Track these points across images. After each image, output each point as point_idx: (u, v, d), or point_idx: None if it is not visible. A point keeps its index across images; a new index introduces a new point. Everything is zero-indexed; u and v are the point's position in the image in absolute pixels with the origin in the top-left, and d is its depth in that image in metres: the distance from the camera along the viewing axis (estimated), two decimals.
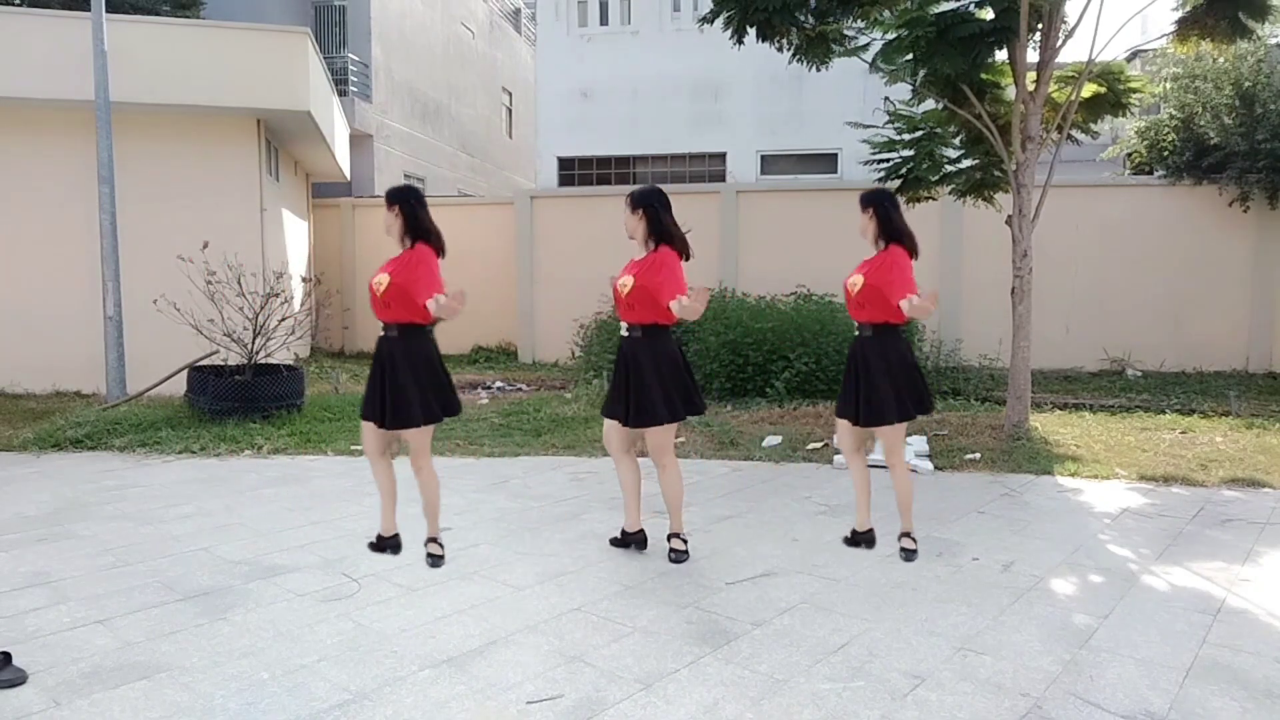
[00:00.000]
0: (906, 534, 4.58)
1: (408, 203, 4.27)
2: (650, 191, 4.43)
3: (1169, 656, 3.40)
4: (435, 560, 4.44)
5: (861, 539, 4.72)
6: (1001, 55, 7.47)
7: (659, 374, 4.33)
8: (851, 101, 13.77)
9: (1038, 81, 7.30)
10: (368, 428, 4.38)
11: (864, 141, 8.85)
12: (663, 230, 4.35)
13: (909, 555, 4.53)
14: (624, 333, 4.42)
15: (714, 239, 12.77)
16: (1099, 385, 11.05)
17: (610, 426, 4.58)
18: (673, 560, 4.49)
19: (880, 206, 4.47)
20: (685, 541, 4.57)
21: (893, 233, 4.42)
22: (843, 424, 4.64)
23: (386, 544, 4.60)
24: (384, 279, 4.18)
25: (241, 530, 5.07)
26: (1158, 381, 11.19)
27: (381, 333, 4.30)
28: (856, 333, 4.56)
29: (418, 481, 4.42)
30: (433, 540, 4.50)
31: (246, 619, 3.75)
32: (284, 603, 3.95)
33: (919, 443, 7.02)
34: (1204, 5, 7.21)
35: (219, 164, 10.26)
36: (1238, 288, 12.04)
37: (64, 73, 9.26)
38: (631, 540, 4.70)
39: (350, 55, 16.58)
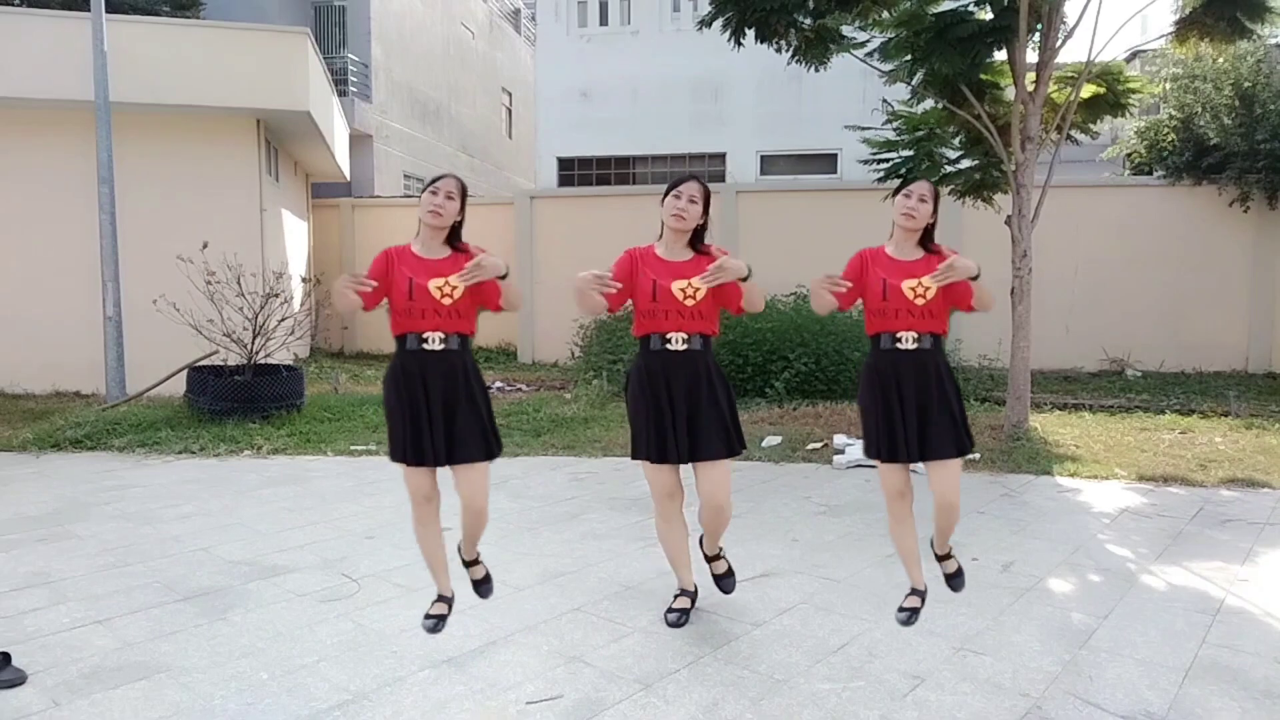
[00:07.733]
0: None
1: None
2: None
3: (1168, 656, 3.40)
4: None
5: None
6: (1001, 55, 7.47)
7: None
8: (851, 101, 13.76)
9: (1037, 82, 7.30)
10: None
11: (863, 141, 8.85)
12: None
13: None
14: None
15: (713, 239, 12.73)
16: (1099, 385, 11.05)
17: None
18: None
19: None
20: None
21: None
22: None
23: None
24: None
25: (241, 530, 5.07)
26: (1157, 381, 11.20)
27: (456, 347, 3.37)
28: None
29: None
30: None
31: (246, 619, 3.75)
32: (284, 603, 3.95)
33: None
34: (1203, 6, 7.22)
35: (219, 164, 10.25)
36: (1237, 288, 12.04)
37: (64, 73, 9.25)
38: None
39: (350, 55, 16.58)
